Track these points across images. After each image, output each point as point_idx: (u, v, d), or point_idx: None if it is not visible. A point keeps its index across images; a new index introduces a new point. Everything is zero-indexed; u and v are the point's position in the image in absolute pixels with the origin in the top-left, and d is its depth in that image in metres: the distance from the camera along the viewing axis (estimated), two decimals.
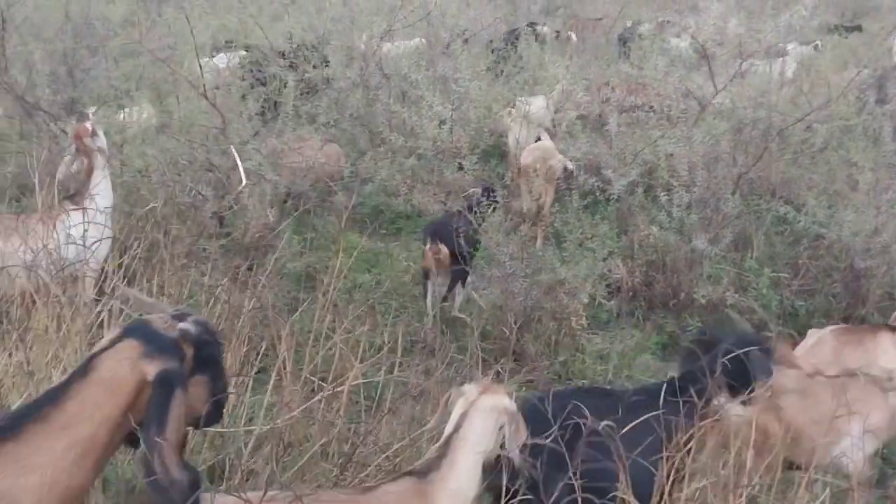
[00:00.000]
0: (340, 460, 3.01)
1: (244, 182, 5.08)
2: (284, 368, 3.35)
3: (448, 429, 2.44)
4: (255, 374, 3.62)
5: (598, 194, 6.71)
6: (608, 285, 5.62)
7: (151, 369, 1.94)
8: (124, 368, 1.94)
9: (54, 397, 1.92)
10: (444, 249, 5.20)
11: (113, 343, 2.00)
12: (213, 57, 7.40)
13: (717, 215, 6.16)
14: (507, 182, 6.01)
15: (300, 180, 6.19)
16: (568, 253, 5.33)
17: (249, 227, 4.91)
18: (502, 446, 2.44)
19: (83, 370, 1.96)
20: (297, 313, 3.99)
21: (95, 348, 2.03)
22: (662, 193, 6.12)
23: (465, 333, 5.10)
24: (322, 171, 6.63)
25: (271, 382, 3.27)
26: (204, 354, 2.07)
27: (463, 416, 2.43)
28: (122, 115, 5.88)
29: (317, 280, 5.55)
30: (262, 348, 3.91)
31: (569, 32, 12.98)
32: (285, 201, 6.18)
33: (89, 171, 4.49)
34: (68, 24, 6.21)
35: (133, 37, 6.09)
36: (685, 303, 5.82)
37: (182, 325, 2.04)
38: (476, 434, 2.38)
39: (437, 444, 2.45)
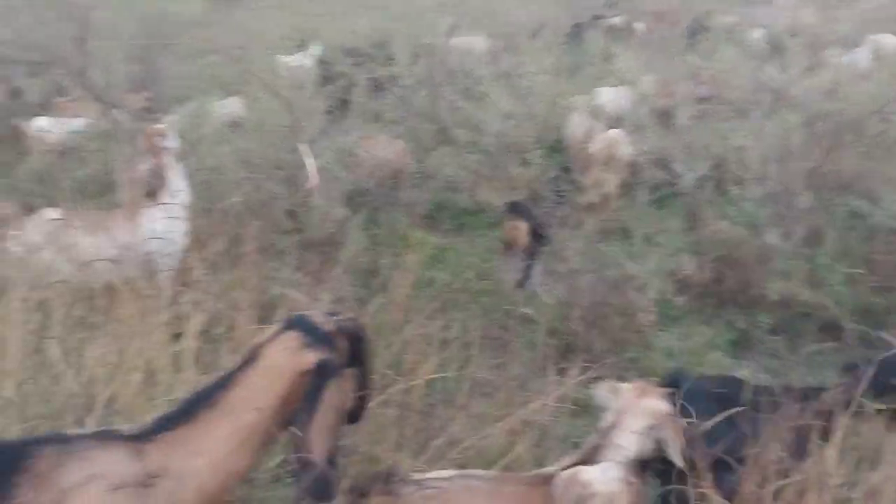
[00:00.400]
0: (413, 454, 3.06)
1: (314, 179, 5.17)
2: None
3: (607, 423, 2.61)
4: None
5: (665, 188, 6.62)
6: (677, 281, 5.55)
7: (311, 359, 2.04)
8: (286, 357, 2.05)
9: (222, 384, 2.04)
10: (523, 225, 5.27)
11: (276, 334, 2.11)
12: (294, 54, 7.56)
13: (790, 210, 6.03)
14: (573, 177, 5.98)
15: (367, 177, 6.27)
16: (635, 248, 5.28)
17: (321, 223, 5.00)
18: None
19: (248, 359, 2.08)
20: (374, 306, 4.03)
21: (260, 338, 2.14)
22: (733, 187, 6.00)
23: (531, 330, 5.09)
24: (389, 167, 6.71)
25: None
26: (356, 349, 2.17)
27: (621, 414, 2.59)
28: (215, 108, 6.10)
29: (381, 276, 5.64)
30: None
31: (635, 24, 12.79)
32: (352, 198, 6.26)
33: (161, 171, 4.65)
34: (144, 26, 6.41)
35: (206, 36, 6.25)
36: (756, 299, 5.70)
37: (338, 320, 2.16)
38: (630, 434, 2.55)
39: (597, 434, 2.62)
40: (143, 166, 4.70)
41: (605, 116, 7.45)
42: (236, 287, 3.57)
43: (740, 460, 2.67)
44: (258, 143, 5.39)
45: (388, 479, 2.36)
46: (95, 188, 5.33)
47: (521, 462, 3.12)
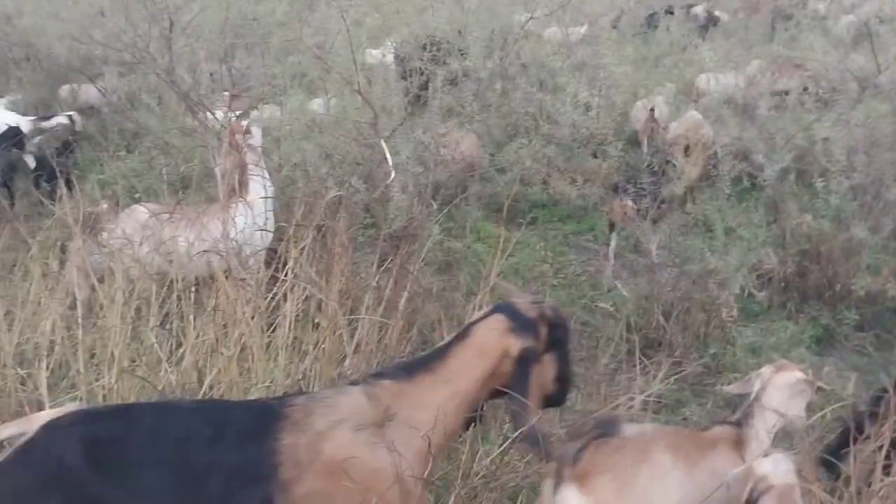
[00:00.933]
0: (502, 444, 3.09)
1: (392, 175, 5.23)
2: None
3: (752, 393, 2.95)
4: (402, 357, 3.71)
5: (746, 181, 6.48)
6: (759, 276, 5.44)
7: (513, 342, 2.28)
8: (493, 338, 2.30)
9: (439, 355, 2.31)
10: (631, 204, 5.33)
11: (485, 316, 2.35)
12: (376, 50, 7.68)
13: (878, 202, 5.85)
14: (654, 168, 5.91)
15: (442, 172, 6.30)
16: (717, 242, 5.19)
17: (398, 217, 5.07)
18: None
19: (462, 335, 2.33)
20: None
21: (472, 318, 2.39)
22: (818, 180, 5.84)
23: (609, 325, 5.05)
24: (463, 161, 6.74)
25: None
26: (555, 336, 2.37)
27: (764, 386, 2.94)
28: (313, 105, 6.27)
29: (454, 268, 5.68)
30: (413, 333, 4.03)
31: (716, 13, 12.52)
32: (424, 193, 6.30)
33: (244, 167, 4.79)
34: (228, 25, 6.58)
35: (290, 35, 6.38)
36: (842, 294, 5.57)
37: (541, 307, 2.37)
38: (773, 400, 2.88)
39: (744, 404, 2.96)
40: (229, 163, 4.85)
41: (700, 102, 7.33)
42: (326, 277, 3.66)
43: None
44: (339, 140, 5.48)
45: (603, 426, 2.67)
46: (194, 183, 5.51)
47: None
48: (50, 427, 2.09)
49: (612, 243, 5.98)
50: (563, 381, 2.45)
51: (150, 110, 7.43)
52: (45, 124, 7.59)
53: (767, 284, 5.63)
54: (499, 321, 2.31)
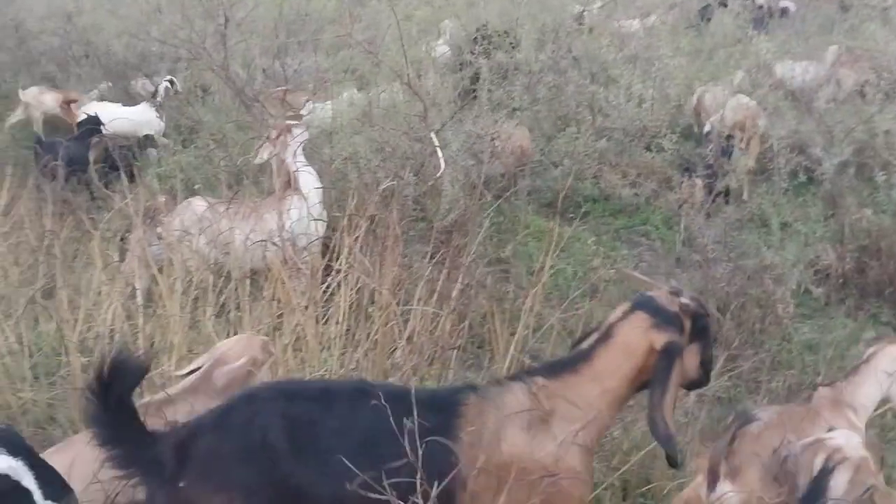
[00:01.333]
0: None
1: (443, 168, 5.24)
2: (495, 343, 3.45)
3: (864, 357, 3.07)
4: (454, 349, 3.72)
5: (802, 175, 6.34)
6: (816, 271, 5.33)
7: (658, 339, 2.28)
8: (637, 336, 2.30)
9: (585, 356, 2.34)
10: (699, 183, 5.30)
11: (626, 314, 2.35)
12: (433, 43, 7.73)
13: None
14: (710, 161, 5.82)
15: (492, 165, 6.29)
16: (773, 236, 5.10)
17: (452, 209, 5.08)
18: None
19: (604, 336, 2.35)
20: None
21: (611, 317, 2.40)
22: (880, 173, 5.69)
23: None
24: (514, 155, 6.71)
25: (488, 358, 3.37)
26: (698, 326, 2.38)
27: (876, 351, 3.05)
28: (366, 99, 6.36)
29: (504, 262, 5.66)
30: (465, 325, 4.03)
31: (782, 3, 12.22)
32: (476, 186, 6.29)
33: (290, 161, 4.85)
34: (281, 22, 6.68)
35: (341, 31, 6.43)
36: None
37: (682, 300, 2.37)
38: (879, 367, 2.98)
39: (849, 370, 3.09)
40: (261, 156, 4.95)
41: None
42: (379, 268, 3.69)
43: None
44: (390, 133, 5.50)
45: (743, 417, 2.80)
46: (250, 176, 5.60)
47: (660, 453, 3.08)
48: (251, 396, 2.16)
49: (683, 222, 5.88)
50: (707, 365, 2.47)
51: (205, 105, 7.56)
52: (159, 98, 8.13)
53: (825, 280, 5.51)
54: (641, 318, 2.30)
